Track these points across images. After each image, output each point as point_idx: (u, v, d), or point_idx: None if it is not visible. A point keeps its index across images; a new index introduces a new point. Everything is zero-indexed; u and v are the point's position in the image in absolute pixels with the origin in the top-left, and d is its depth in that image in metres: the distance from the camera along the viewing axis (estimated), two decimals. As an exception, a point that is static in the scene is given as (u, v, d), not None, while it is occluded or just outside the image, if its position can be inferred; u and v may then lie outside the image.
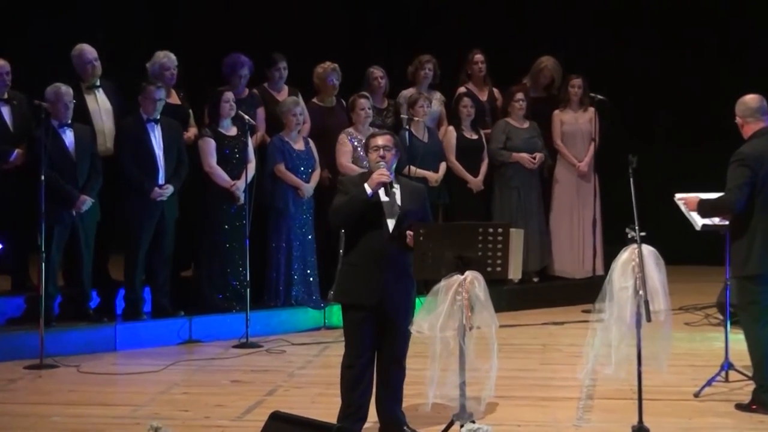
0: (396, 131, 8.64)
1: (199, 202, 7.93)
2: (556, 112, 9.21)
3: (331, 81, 8.46)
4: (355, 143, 8.08)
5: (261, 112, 8.29)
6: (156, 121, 7.52)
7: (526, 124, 9.03)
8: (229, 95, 7.86)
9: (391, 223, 5.04)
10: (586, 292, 7.63)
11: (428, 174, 8.57)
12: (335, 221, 5.14)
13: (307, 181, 8.08)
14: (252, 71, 8.21)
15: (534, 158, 8.94)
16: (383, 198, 5.04)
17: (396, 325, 5.06)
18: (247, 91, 8.23)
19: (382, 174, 5.02)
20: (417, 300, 7.77)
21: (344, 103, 8.50)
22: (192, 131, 8.02)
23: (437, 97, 9.06)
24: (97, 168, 7.40)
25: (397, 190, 5.11)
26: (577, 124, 9.18)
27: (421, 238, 4.94)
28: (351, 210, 5.02)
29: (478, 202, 8.88)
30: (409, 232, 5.00)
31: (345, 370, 5.11)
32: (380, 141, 5.15)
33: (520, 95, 8.98)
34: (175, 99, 8.00)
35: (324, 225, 7.88)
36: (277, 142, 8.04)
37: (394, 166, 5.20)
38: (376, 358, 5.13)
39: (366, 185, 5.01)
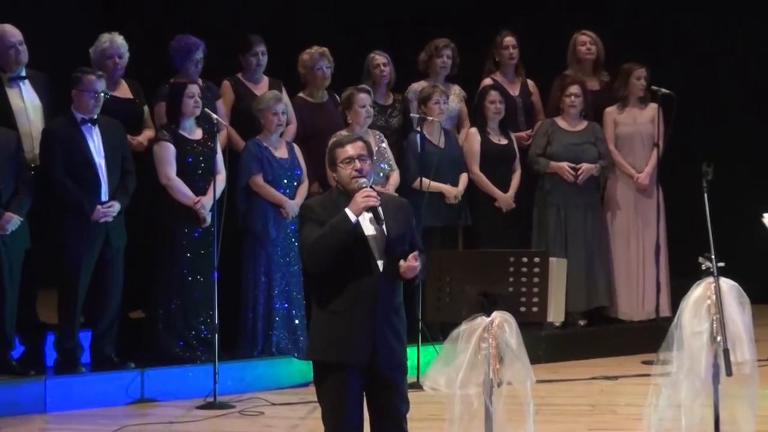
0: (404, 134, 8.65)
1: (153, 224, 7.93)
2: (609, 110, 9.20)
3: (320, 70, 8.45)
4: (353, 149, 8.04)
5: (220, 105, 8.29)
6: (93, 122, 7.50)
7: (581, 126, 9.04)
8: (194, 89, 7.85)
9: (379, 256, 4.98)
10: (648, 338, 7.57)
11: (445, 188, 8.55)
12: (314, 261, 4.98)
13: (292, 197, 8.06)
14: (206, 55, 8.19)
15: (577, 169, 8.90)
16: (369, 227, 4.97)
17: (393, 383, 5.04)
18: (200, 82, 8.20)
19: (369, 196, 4.93)
20: (432, 348, 7.74)
21: (338, 98, 8.48)
22: (147, 133, 8.05)
23: (456, 92, 9.04)
24: (26, 181, 7.38)
25: (380, 210, 5.02)
26: (635, 124, 9.17)
27: (437, 270, 4.94)
28: (333, 245, 4.90)
29: (509, 223, 8.87)
30: (402, 263, 4.92)
31: None
32: (351, 150, 5.04)
33: (574, 88, 8.96)
34: (125, 91, 7.98)
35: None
36: (254, 148, 8.02)
37: (372, 180, 5.13)
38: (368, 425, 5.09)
39: (348, 211, 4.92)
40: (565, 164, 8.89)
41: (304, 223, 5.05)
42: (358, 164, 5.01)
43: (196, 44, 8.12)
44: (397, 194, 7.70)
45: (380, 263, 4.96)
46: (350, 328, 4.94)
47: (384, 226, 4.95)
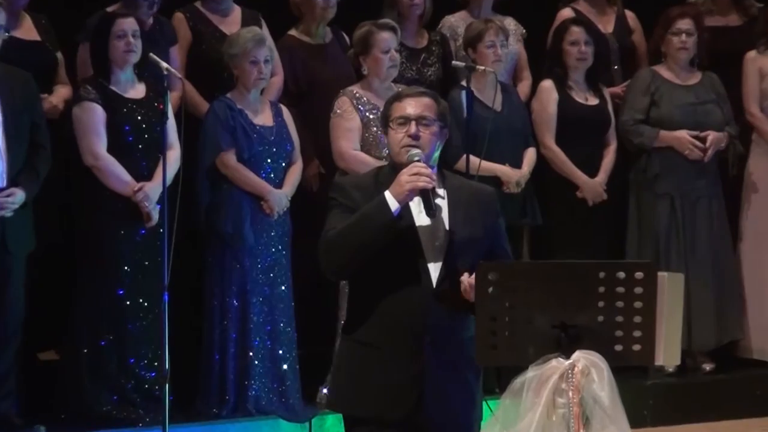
0: (444, 90, 8.57)
1: (74, 223, 7.99)
2: (752, 55, 9.30)
3: (321, -3, 8.57)
4: (368, 114, 8.15)
5: (175, 52, 8.36)
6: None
7: (695, 79, 9.17)
8: (127, 24, 7.86)
9: (435, 267, 5.19)
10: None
11: (504, 170, 8.62)
12: (333, 266, 5.23)
13: (279, 185, 8.09)
14: None
15: (703, 139, 8.92)
16: (420, 222, 5.14)
17: None
18: (152, 19, 8.27)
19: (419, 174, 5.08)
20: (484, 403, 7.69)
21: (347, 38, 8.55)
22: (63, 92, 8.16)
23: (512, 28, 9.06)
24: None
25: (443, 201, 5.21)
26: (791, 77, 9.37)
27: (490, 290, 4.98)
28: (362, 243, 5.11)
29: (598, 222, 8.93)
30: (466, 279, 5.07)
31: None
32: (411, 108, 5.24)
33: (684, 22, 9.04)
34: (29, 32, 8.10)
35: (310, 267, 7.80)
36: (223, 112, 8.07)
37: (437, 154, 5.30)
38: None
39: (388, 195, 5.10)
40: (685, 133, 8.90)
41: (330, 209, 5.25)
42: (413, 128, 5.16)
43: None
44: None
45: (434, 276, 5.13)
46: (386, 369, 5.15)
47: (442, 217, 5.10)
